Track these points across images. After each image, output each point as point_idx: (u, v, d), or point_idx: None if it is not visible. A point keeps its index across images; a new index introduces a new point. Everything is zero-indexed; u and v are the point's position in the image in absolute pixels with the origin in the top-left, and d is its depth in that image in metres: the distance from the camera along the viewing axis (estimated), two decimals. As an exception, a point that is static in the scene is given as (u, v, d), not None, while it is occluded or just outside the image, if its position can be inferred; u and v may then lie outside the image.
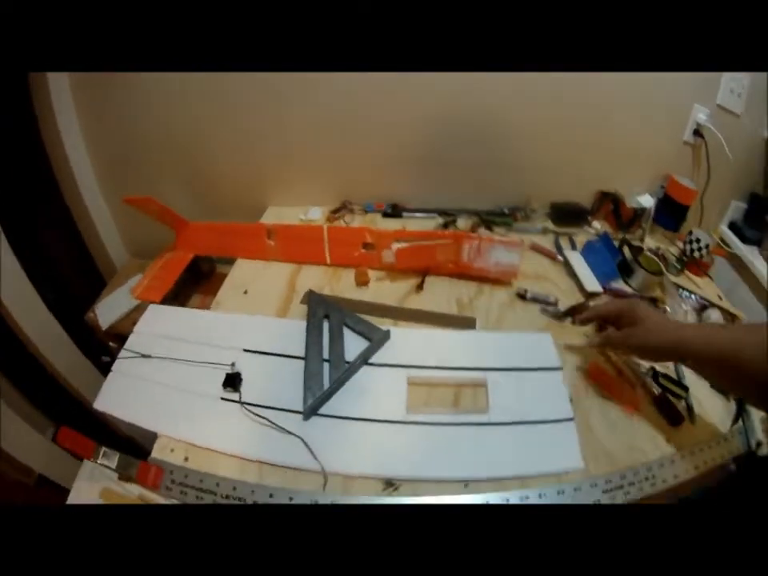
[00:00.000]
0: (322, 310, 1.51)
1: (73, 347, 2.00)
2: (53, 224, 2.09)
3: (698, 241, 2.00)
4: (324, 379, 1.30)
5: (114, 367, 1.38)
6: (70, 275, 2.17)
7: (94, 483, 1.23)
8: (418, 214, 2.14)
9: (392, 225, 2.03)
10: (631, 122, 1.99)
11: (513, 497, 1.12)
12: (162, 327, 1.51)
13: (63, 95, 1.87)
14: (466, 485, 1.14)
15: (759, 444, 1.32)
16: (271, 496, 1.07)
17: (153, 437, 1.21)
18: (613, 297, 1.55)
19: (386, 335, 1.45)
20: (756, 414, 1.37)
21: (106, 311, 1.87)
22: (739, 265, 2.16)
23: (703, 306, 1.81)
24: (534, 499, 1.12)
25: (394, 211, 2.12)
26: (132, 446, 1.20)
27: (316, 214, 2.08)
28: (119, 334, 1.63)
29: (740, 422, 1.36)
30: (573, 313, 1.58)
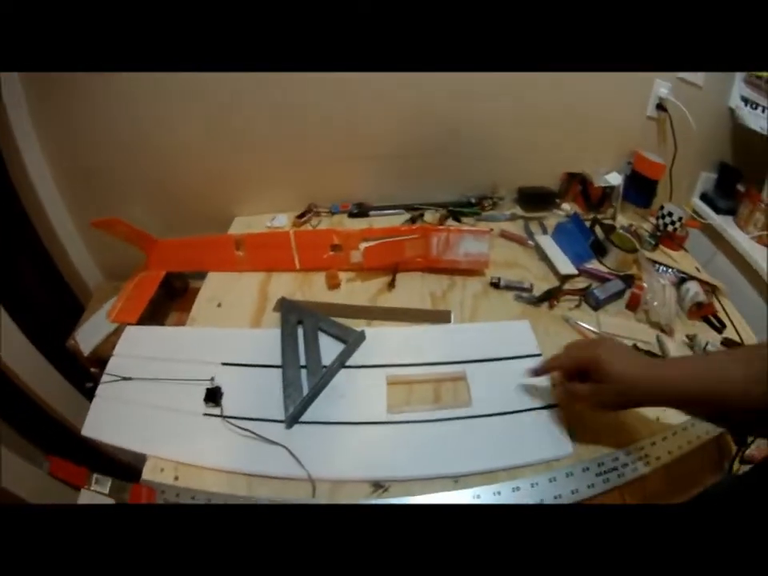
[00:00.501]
0: (295, 317, 1.51)
1: (57, 376, 1.98)
2: (24, 252, 2.08)
3: (670, 215, 2.01)
4: (303, 386, 1.31)
5: (97, 392, 1.38)
6: (46, 303, 2.15)
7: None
8: (384, 212, 2.13)
9: (359, 224, 2.03)
10: (593, 100, 2.00)
11: (504, 488, 1.13)
12: (141, 348, 1.50)
13: (19, 111, 1.84)
14: (456, 480, 1.15)
15: None
16: (259, 503, 1.08)
17: (143, 458, 1.21)
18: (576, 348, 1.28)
19: (360, 336, 1.45)
20: None
21: (87, 337, 1.86)
22: (714, 235, 2.18)
23: (682, 279, 1.81)
24: (525, 489, 1.13)
25: (361, 210, 2.12)
26: (126, 469, 1.20)
27: (282, 221, 2.07)
28: (101, 359, 1.62)
29: None
30: (549, 297, 1.59)
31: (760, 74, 1.93)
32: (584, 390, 1.18)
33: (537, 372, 1.30)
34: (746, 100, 2.01)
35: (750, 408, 0.92)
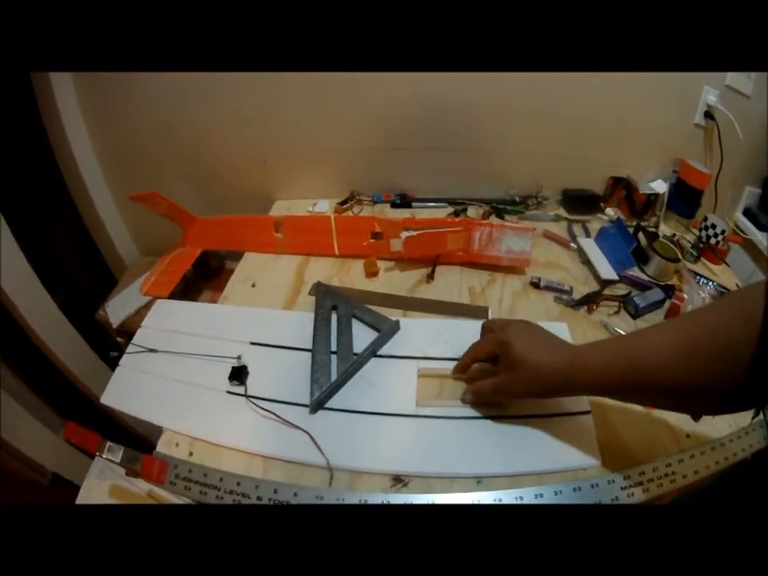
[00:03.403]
0: (330, 302, 1.49)
1: (85, 346, 2.00)
2: (62, 224, 2.10)
3: (713, 227, 1.96)
4: (331, 371, 1.29)
5: (121, 362, 1.38)
6: (81, 275, 2.18)
7: (103, 481, 1.23)
8: (427, 204, 2.12)
9: (401, 215, 2.01)
10: (640, 105, 1.96)
11: (527, 494, 1.09)
12: (170, 322, 1.50)
13: (67, 94, 1.87)
14: (479, 481, 1.12)
15: None
16: (275, 491, 1.05)
17: (158, 434, 1.20)
18: (490, 331, 1.27)
19: (395, 326, 1.43)
20: None
21: (116, 309, 1.87)
22: (755, 252, 2.12)
23: (721, 294, 1.76)
24: (548, 496, 1.09)
25: (403, 201, 2.11)
26: (141, 443, 1.19)
27: (324, 207, 2.07)
28: (129, 332, 1.62)
29: (761, 415, 1.33)
30: (588, 301, 1.56)
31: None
32: (489, 385, 1.18)
33: (458, 369, 1.29)
34: (793, 113, 1.95)
35: (671, 386, 0.89)
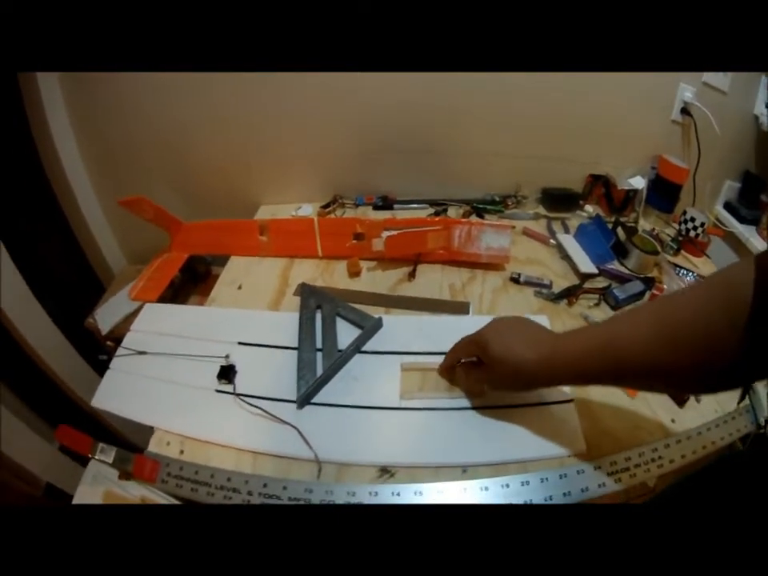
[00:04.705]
0: (315, 301, 1.52)
1: (74, 354, 2.01)
2: (50, 233, 2.10)
3: (692, 220, 1.99)
4: (317, 368, 1.31)
5: (111, 365, 1.40)
6: (69, 283, 2.18)
7: (96, 487, 1.25)
8: (409, 206, 2.14)
9: (383, 216, 2.04)
10: (618, 103, 1.99)
11: (513, 481, 1.11)
12: (158, 324, 1.52)
13: (54, 99, 1.88)
14: (465, 470, 1.14)
15: (767, 421, 1.32)
16: (265, 485, 1.08)
17: (148, 437, 1.22)
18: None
19: (378, 323, 1.46)
20: (763, 392, 1.35)
21: (106, 316, 1.88)
22: (737, 244, 2.16)
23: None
24: (535, 483, 1.11)
25: (385, 203, 2.13)
26: (131, 449, 1.21)
27: (308, 210, 2.09)
28: (118, 338, 1.64)
29: (747, 400, 1.35)
30: (568, 294, 1.59)
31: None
32: (471, 381, 1.22)
33: (443, 371, 1.32)
34: (770, 107, 1.98)
35: (652, 370, 0.89)
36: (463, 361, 1.27)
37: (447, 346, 1.33)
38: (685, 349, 0.82)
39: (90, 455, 1.08)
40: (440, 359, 1.35)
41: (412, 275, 1.73)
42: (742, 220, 2.18)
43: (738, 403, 1.34)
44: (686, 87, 1.98)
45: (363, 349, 1.42)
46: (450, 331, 1.36)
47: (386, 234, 1.68)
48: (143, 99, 1.88)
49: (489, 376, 1.15)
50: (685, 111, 2.02)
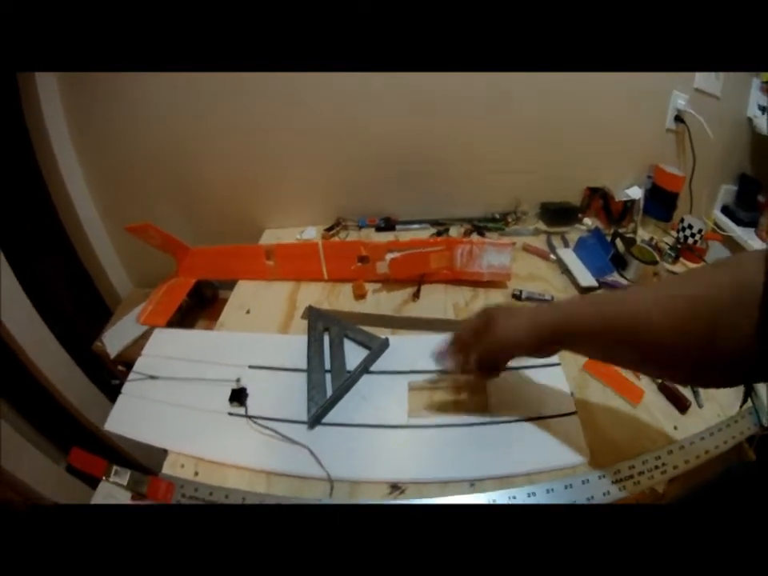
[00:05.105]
0: (322, 324, 1.55)
1: (83, 378, 2.01)
2: (56, 257, 2.11)
3: (690, 227, 2.01)
4: (326, 389, 1.34)
5: (123, 389, 1.42)
6: (76, 307, 2.20)
7: (107, 507, 1.26)
8: (410, 226, 2.17)
9: (386, 238, 2.06)
10: (612, 114, 2.02)
11: (519, 494, 1.13)
12: (169, 349, 1.54)
13: (59, 126, 1.90)
14: (472, 484, 1.15)
15: None
16: (278, 504, 1.09)
17: (160, 460, 1.23)
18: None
19: (384, 343, 1.48)
20: (765, 394, 1.36)
21: (113, 340, 1.89)
22: (736, 248, 2.18)
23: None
24: (541, 494, 1.13)
25: (387, 224, 2.16)
26: (143, 472, 1.22)
27: (311, 233, 2.11)
28: (127, 362, 1.66)
29: (749, 402, 1.36)
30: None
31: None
32: (471, 345, 1.18)
33: (442, 354, 1.29)
34: (763, 109, 2.01)
35: (657, 343, 0.86)
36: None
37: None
38: (689, 322, 0.81)
39: (103, 477, 1.10)
40: (446, 377, 1.39)
41: (416, 296, 1.75)
42: (739, 223, 2.20)
43: (741, 406, 1.35)
44: (678, 95, 2.01)
45: (371, 369, 1.44)
46: (454, 350, 1.39)
47: (389, 256, 1.70)
48: (148, 125, 1.91)
49: (491, 337, 1.13)
50: (678, 119, 2.05)
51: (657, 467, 1.20)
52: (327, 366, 1.42)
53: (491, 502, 1.12)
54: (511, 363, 1.22)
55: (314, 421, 1.27)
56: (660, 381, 1.42)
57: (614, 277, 1.89)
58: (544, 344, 1.07)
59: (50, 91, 1.83)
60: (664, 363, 0.91)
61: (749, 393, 1.35)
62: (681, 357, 0.85)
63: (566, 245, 2.07)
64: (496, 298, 1.76)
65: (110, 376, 1.97)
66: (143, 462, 1.96)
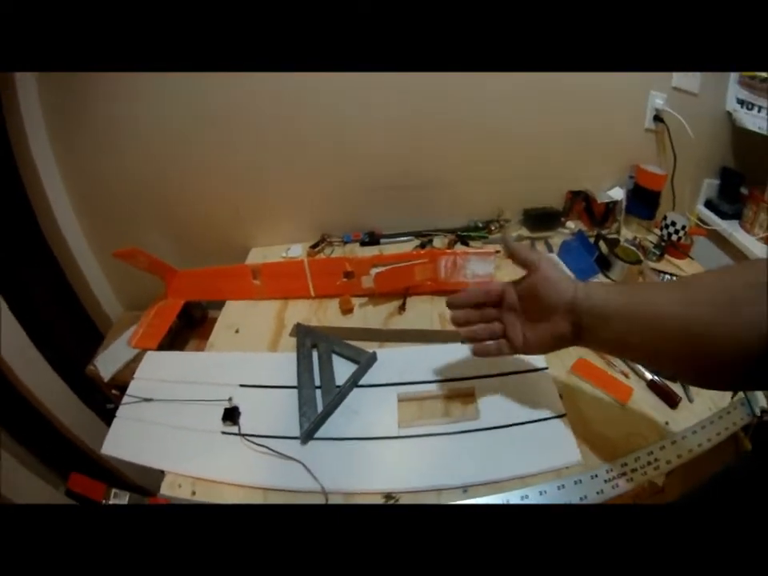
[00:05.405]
0: (310, 340, 1.56)
1: (78, 402, 2.01)
2: (46, 283, 2.12)
3: (673, 224, 2.04)
4: (317, 404, 1.35)
5: (118, 413, 1.42)
6: (67, 331, 2.20)
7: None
8: (395, 239, 2.18)
9: (370, 252, 2.08)
10: (590, 119, 2.04)
11: (512, 497, 1.14)
12: (161, 372, 1.55)
13: (45, 153, 1.90)
14: (465, 490, 1.17)
15: (765, 411, 1.34)
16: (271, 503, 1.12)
17: (157, 482, 1.24)
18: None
19: (372, 357, 1.50)
20: None
21: (106, 363, 1.90)
22: (721, 241, 2.19)
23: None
24: (534, 497, 1.14)
25: (372, 239, 2.16)
26: (139, 492, 1.23)
27: (297, 251, 2.13)
28: (120, 385, 1.67)
29: (740, 393, 1.38)
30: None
31: (754, 74, 1.95)
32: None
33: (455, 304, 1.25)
34: (741, 102, 2.03)
35: (689, 341, 0.84)
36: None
37: (441, 374, 1.41)
38: (706, 308, 0.81)
39: (103, 501, 1.11)
40: (435, 387, 1.41)
41: (402, 308, 1.77)
42: (723, 216, 2.21)
43: (732, 397, 1.37)
44: (656, 94, 2.03)
45: (360, 383, 1.45)
46: (442, 360, 1.43)
47: (374, 270, 1.72)
48: (132, 149, 1.91)
49: (528, 279, 1.12)
50: (657, 118, 2.07)
51: (649, 463, 1.21)
52: (317, 381, 1.43)
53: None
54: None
55: (307, 436, 1.28)
56: (649, 378, 1.43)
57: (599, 278, 1.91)
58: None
59: (33, 117, 1.84)
60: (681, 357, 0.89)
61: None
62: (699, 346, 0.83)
63: (550, 250, 2.09)
64: (482, 306, 1.76)
65: (104, 400, 1.97)
66: (141, 484, 1.97)
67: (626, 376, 1.47)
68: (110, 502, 1.12)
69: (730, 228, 2.14)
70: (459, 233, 2.15)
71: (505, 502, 1.14)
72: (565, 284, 1.06)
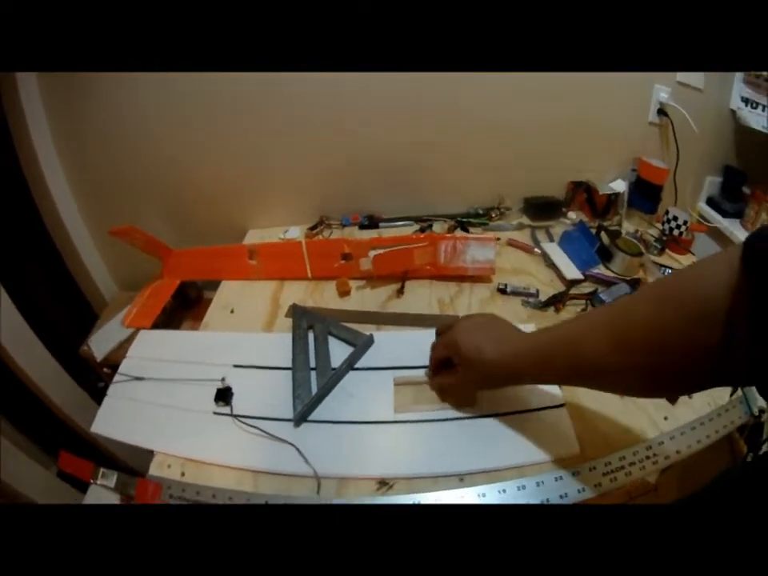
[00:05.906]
0: (306, 322, 1.54)
1: (71, 381, 2.01)
2: (42, 263, 2.10)
3: (675, 219, 2.03)
4: (312, 386, 1.33)
5: (109, 391, 1.41)
6: (62, 311, 2.19)
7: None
8: (394, 224, 2.16)
9: (369, 235, 2.06)
10: (594, 109, 2.02)
11: (509, 487, 1.12)
12: (154, 350, 1.54)
13: (41, 128, 1.88)
14: (461, 478, 1.15)
15: (762, 411, 1.32)
16: (266, 503, 1.09)
17: (147, 463, 1.23)
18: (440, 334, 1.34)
19: (369, 340, 1.48)
20: None
21: (100, 343, 1.88)
22: (722, 239, 2.18)
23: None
24: (531, 488, 1.12)
25: (371, 222, 2.15)
26: (129, 472, 1.22)
27: (295, 233, 2.11)
28: (113, 365, 1.65)
29: (739, 391, 1.36)
30: (555, 301, 1.61)
31: (759, 72, 1.92)
32: (450, 378, 1.25)
33: (430, 374, 1.36)
34: (746, 100, 2.01)
35: (605, 369, 0.89)
36: (440, 368, 1.31)
37: (438, 360, 1.37)
38: (637, 349, 0.83)
39: (91, 480, 1.09)
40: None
41: (400, 292, 1.75)
42: (725, 214, 2.20)
43: (731, 395, 1.36)
44: (661, 88, 2.02)
45: (356, 366, 1.44)
46: (439, 345, 1.39)
47: (372, 253, 1.70)
48: (131, 128, 1.90)
49: (462, 375, 1.19)
50: (661, 112, 2.05)
51: (648, 458, 1.19)
52: (312, 363, 1.41)
53: (481, 495, 1.11)
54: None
55: (300, 418, 1.26)
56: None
57: (600, 269, 1.89)
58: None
59: (32, 98, 1.82)
60: (616, 386, 0.99)
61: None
62: (630, 379, 0.90)
63: (551, 239, 2.08)
64: (481, 292, 1.76)
65: (98, 380, 1.96)
66: (131, 464, 1.95)
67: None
68: (98, 482, 1.09)
69: (731, 226, 2.14)
70: (459, 219, 2.14)
71: (501, 492, 1.12)
72: (494, 360, 1.11)
